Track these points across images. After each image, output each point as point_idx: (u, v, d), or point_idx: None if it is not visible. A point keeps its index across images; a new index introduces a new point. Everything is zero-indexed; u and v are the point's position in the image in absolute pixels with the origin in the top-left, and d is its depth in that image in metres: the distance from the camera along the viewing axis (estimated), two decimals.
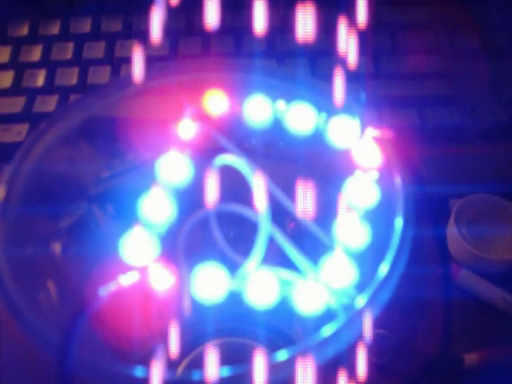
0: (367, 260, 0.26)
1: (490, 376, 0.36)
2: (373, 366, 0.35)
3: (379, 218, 0.27)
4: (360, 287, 0.25)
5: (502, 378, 0.36)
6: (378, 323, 0.36)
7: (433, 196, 0.39)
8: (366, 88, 0.46)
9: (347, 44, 0.29)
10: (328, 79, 0.31)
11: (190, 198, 0.28)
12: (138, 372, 0.23)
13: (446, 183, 0.43)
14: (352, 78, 0.29)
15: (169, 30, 0.51)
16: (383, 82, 0.48)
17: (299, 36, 0.28)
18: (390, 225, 0.26)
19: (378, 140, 0.29)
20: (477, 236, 0.40)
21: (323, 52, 0.48)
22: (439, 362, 0.32)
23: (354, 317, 0.24)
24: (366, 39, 0.49)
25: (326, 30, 0.35)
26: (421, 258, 0.30)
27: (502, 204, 0.42)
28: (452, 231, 0.41)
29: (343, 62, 0.29)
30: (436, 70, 0.49)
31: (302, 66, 0.48)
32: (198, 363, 0.33)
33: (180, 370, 0.34)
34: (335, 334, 0.23)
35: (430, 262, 0.29)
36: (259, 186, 0.28)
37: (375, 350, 0.35)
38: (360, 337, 0.24)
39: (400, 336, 0.36)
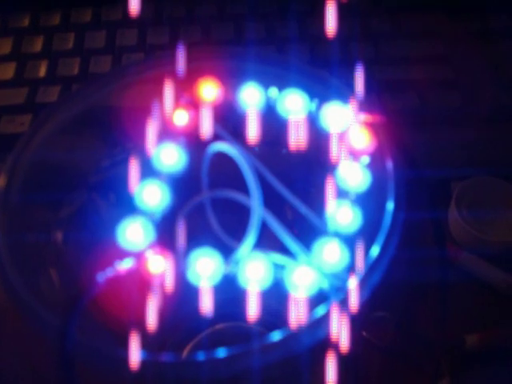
0: (359, 243, 0.26)
1: (490, 357, 0.36)
2: (373, 347, 0.36)
3: (371, 201, 0.27)
4: (351, 270, 0.25)
5: (503, 359, 0.36)
6: (378, 305, 0.36)
7: (432, 179, 0.39)
8: (365, 72, 0.46)
9: None
10: (327, 65, 0.31)
11: (184, 185, 0.29)
12: (137, 355, 0.24)
13: (448, 166, 0.43)
14: (348, 62, 0.29)
15: (169, 18, 0.51)
16: (383, 66, 0.48)
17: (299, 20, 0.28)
18: (382, 208, 0.26)
19: (369, 125, 0.29)
20: (478, 218, 0.40)
21: (322, 38, 0.48)
22: (440, 343, 0.33)
23: (345, 299, 0.24)
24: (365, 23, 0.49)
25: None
26: (419, 240, 0.31)
27: (504, 186, 0.41)
28: (453, 214, 0.41)
29: None
30: (437, 54, 0.49)
31: (301, 52, 0.48)
32: (202, 347, 0.34)
33: (185, 353, 0.35)
34: (326, 316, 0.24)
35: (429, 244, 0.29)
36: (252, 172, 0.28)
37: (375, 332, 0.36)
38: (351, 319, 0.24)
39: (400, 318, 0.36)
